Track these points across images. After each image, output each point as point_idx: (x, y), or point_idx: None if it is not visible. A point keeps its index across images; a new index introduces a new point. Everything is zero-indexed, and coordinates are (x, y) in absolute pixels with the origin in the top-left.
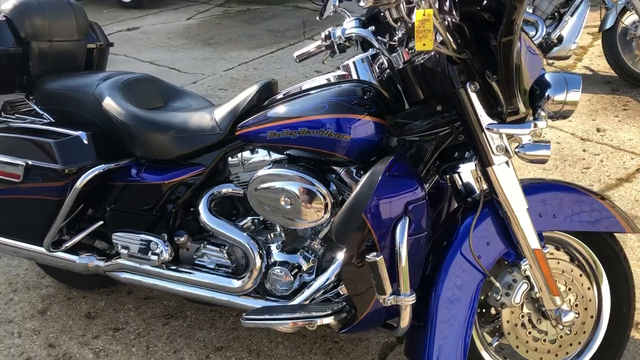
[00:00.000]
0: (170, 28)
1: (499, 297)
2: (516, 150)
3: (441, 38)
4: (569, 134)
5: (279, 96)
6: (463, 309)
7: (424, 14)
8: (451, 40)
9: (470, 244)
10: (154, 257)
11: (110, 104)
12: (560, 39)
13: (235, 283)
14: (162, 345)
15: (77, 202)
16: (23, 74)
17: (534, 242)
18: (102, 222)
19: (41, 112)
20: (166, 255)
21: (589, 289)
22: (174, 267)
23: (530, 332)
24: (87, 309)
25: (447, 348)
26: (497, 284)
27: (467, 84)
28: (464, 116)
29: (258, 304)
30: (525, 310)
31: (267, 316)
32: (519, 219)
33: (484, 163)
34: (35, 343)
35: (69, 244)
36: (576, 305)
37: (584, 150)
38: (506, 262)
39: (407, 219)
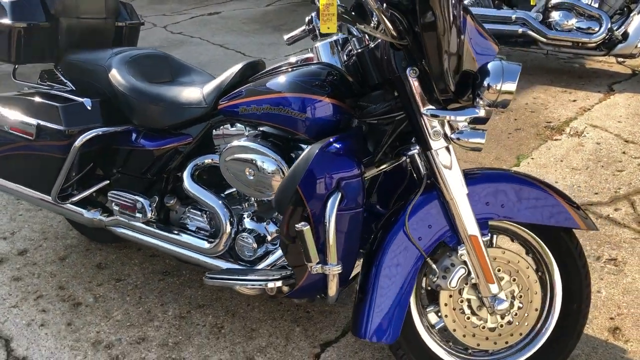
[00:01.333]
0: (248, 14)
1: (435, 279)
2: (452, 136)
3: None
4: (612, 135)
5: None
6: (399, 286)
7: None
8: (390, 27)
9: (406, 225)
10: (139, 215)
11: (114, 75)
12: (625, 36)
13: (207, 245)
14: (153, 298)
15: (86, 161)
16: (53, 46)
17: (471, 228)
18: (107, 182)
19: (65, 81)
20: (149, 215)
21: (535, 281)
22: (158, 226)
23: (469, 318)
24: (99, 260)
25: (382, 321)
26: (434, 266)
27: (408, 70)
28: (405, 100)
29: (227, 266)
30: (466, 295)
31: (225, 276)
32: (457, 204)
33: (423, 147)
34: (49, 284)
35: (75, 198)
36: (520, 296)
37: (623, 153)
38: (447, 246)
39: (339, 194)
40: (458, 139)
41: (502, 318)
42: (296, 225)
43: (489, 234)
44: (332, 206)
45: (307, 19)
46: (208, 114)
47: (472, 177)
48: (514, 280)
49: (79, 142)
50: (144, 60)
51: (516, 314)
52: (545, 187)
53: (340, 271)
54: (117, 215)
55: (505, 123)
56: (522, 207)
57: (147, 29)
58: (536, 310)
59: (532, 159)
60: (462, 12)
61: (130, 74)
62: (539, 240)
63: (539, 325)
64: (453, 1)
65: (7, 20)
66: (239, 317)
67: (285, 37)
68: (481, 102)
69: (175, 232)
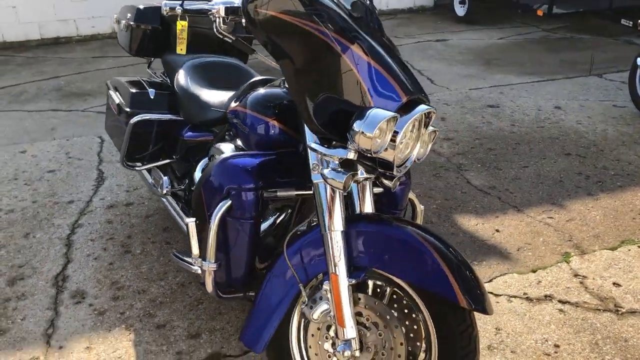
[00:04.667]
0: (473, 44)
1: (303, 306)
2: (321, 171)
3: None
4: None
5: None
6: (272, 305)
7: (181, 25)
8: None
9: (284, 250)
10: (159, 190)
11: (179, 74)
12: None
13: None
14: (174, 265)
15: (159, 140)
16: (164, 46)
17: (336, 267)
18: (167, 161)
19: (165, 75)
20: (164, 191)
21: (401, 344)
22: (177, 202)
23: (330, 357)
24: (169, 225)
25: (254, 332)
26: (304, 294)
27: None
28: (302, 132)
29: None
30: (332, 333)
31: (181, 257)
32: (329, 239)
33: (308, 179)
34: (124, 231)
35: (138, 168)
36: (383, 354)
37: None
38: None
39: (229, 202)
40: (321, 175)
41: None
42: (185, 219)
43: (359, 279)
44: (218, 211)
45: None
46: (225, 117)
47: (366, 220)
48: (380, 335)
49: (131, 121)
50: (214, 67)
51: None
52: (435, 251)
53: (215, 269)
54: (152, 187)
55: None
56: (402, 262)
57: None
58: None
59: (639, 247)
60: (347, 44)
61: (190, 75)
62: (424, 305)
63: None
64: (316, 31)
65: (131, 21)
66: (212, 299)
67: None
68: (349, 144)
69: (177, 207)
